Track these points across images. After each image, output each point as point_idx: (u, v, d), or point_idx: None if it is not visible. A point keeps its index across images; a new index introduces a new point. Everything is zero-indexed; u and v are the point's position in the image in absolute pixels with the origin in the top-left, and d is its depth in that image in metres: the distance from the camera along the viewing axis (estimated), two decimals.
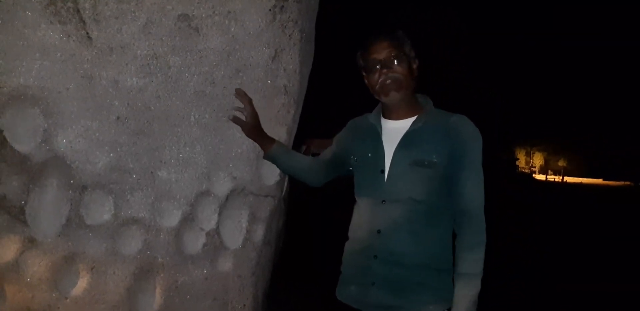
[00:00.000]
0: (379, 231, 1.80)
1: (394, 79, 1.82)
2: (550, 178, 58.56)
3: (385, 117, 1.92)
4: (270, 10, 1.94)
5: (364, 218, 1.88)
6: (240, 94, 1.93)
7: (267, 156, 2.02)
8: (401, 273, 1.77)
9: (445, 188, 1.79)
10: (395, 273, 1.78)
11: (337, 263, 1.95)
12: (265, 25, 1.94)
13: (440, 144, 1.79)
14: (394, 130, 1.87)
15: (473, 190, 1.78)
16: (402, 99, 1.85)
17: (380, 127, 1.91)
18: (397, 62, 1.83)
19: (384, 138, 1.88)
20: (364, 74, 1.92)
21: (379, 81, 1.84)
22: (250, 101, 1.95)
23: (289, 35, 2.02)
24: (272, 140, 2.01)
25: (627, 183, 50.65)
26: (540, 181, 45.27)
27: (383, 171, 1.83)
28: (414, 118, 1.87)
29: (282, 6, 1.96)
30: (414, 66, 1.89)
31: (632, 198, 24.36)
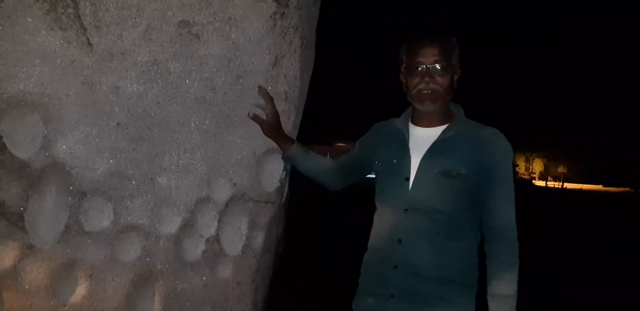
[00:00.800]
0: (399, 241, 1.74)
1: (433, 90, 1.76)
2: (550, 184, 58.48)
3: (414, 123, 1.87)
4: (271, 16, 1.94)
5: (384, 226, 1.82)
6: (262, 92, 1.92)
7: (285, 157, 2.00)
8: (421, 286, 1.71)
9: (470, 200, 1.74)
10: (415, 285, 1.72)
11: (344, 266, 1.93)
12: (265, 31, 1.94)
13: (469, 155, 1.74)
14: (422, 137, 1.81)
15: (505, 207, 1.73)
16: (435, 109, 1.80)
17: (408, 133, 1.85)
18: (441, 73, 1.76)
19: (411, 145, 1.82)
20: (402, 70, 1.86)
21: (418, 87, 1.77)
22: (271, 99, 1.93)
23: (290, 42, 2.01)
24: (291, 140, 1.99)
25: (627, 189, 50.60)
26: (540, 187, 45.23)
27: (408, 179, 1.77)
28: (444, 127, 1.81)
29: (283, 13, 1.96)
30: (456, 77, 1.83)
31: (633, 204, 24.31)
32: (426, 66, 1.76)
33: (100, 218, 1.81)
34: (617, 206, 22.71)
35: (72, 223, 1.78)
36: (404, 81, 1.86)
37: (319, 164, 2.05)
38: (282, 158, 2.01)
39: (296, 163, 2.02)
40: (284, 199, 2.24)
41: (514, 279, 1.69)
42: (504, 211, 1.73)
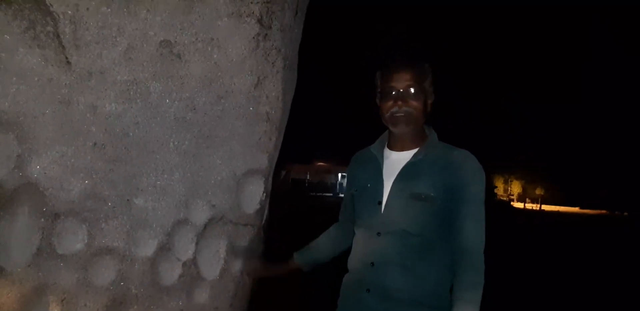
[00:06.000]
0: (372, 264, 1.77)
1: (406, 113, 1.79)
2: (528, 206, 58.98)
3: (390, 147, 1.89)
4: (253, 38, 1.93)
5: (359, 249, 1.85)
6: None
7: (306, 268, 2.08)
8: (393, 309, 1.73)
9: (442, 222, 1.75)
10: (387, 308, 1.73)
11: (325, 287, 1.93)
12: (248, 52, 1.93)
13: (438, 178, 1.76)
14: (395, 161, 1.84)
15: (472, 228, 1.73)
16: (409, 132, 1.83)
17: (382, 158, 1.88)
18: (413, 97, 1.79)
19: (385, 169, 1.84)
20: (377, 95, 1.89)
21: (391, 110, 1.80)
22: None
23: (272, 63, 2.01)
24: (289, 262, 2.08)
25: (603, 211, 51.33)
26: (519, 208, 45.62)
27: (380, 203, 1.80)
28: (416, 150, 1.83)
29: (266, 34, 1.96)
30: (430, 102, 1.85)
31: (608, 226, 24.65)
32: (399, 91, 1.80)
33: (73, 240, 1.76)
34: (593, 228, 22.98)
35: (45, 245, 1.72)
36: (378, 105, 1.89)
37: (329, 243, 2.09)
38: (304, 270, 2.08)
39: (317, 262, 2.08)
40: (263, 222, 2.21)
41: (476, 299, 1.69)
42: (472, 233, 1.74)
